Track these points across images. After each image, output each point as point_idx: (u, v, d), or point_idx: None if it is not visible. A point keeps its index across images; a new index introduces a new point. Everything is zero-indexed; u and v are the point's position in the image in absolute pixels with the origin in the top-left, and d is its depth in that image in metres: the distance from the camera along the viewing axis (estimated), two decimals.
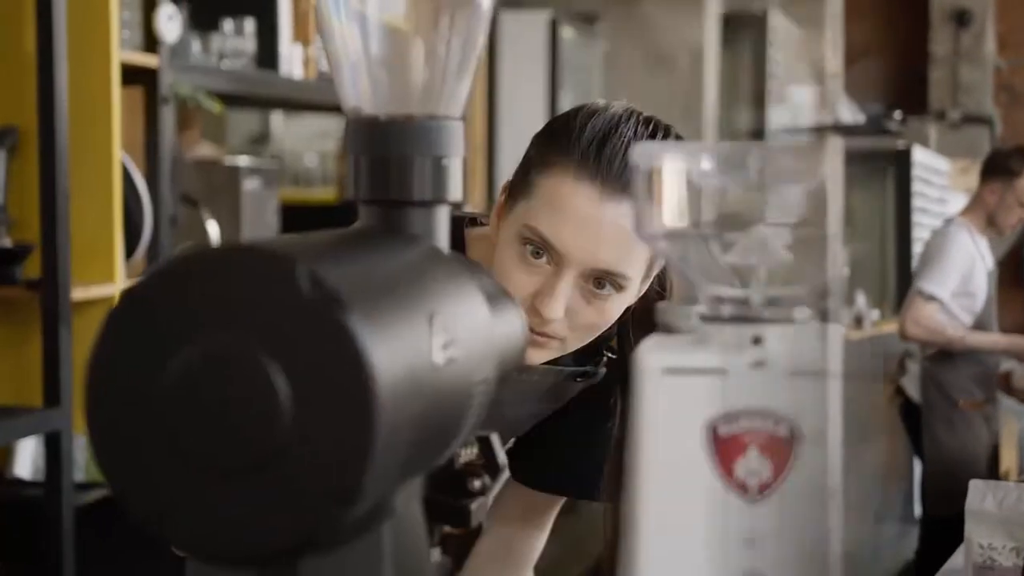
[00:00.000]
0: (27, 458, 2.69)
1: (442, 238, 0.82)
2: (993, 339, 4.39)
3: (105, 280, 2.51)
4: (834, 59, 5.45)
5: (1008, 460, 4.72)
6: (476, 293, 0.78)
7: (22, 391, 2.43)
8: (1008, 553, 1.88)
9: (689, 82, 5.62)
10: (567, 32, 5.33)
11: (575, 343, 1.31)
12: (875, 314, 6.08)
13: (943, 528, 4.26)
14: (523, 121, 5.11)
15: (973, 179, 8.49)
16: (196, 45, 2.96)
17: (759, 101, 7.42)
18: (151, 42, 2.67)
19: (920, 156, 7.06)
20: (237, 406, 0.61)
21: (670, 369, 0.69)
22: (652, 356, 0.71)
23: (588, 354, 1.41)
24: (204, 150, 3.86)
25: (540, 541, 1.58)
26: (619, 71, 5.61)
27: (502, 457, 0.88)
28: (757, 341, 0.70)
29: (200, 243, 3.02)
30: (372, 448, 0.61)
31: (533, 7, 5.41)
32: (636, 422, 0.70)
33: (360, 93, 0.83)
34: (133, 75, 2.63)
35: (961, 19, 9.25)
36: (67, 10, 2.40)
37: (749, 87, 7.42)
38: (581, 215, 1.25)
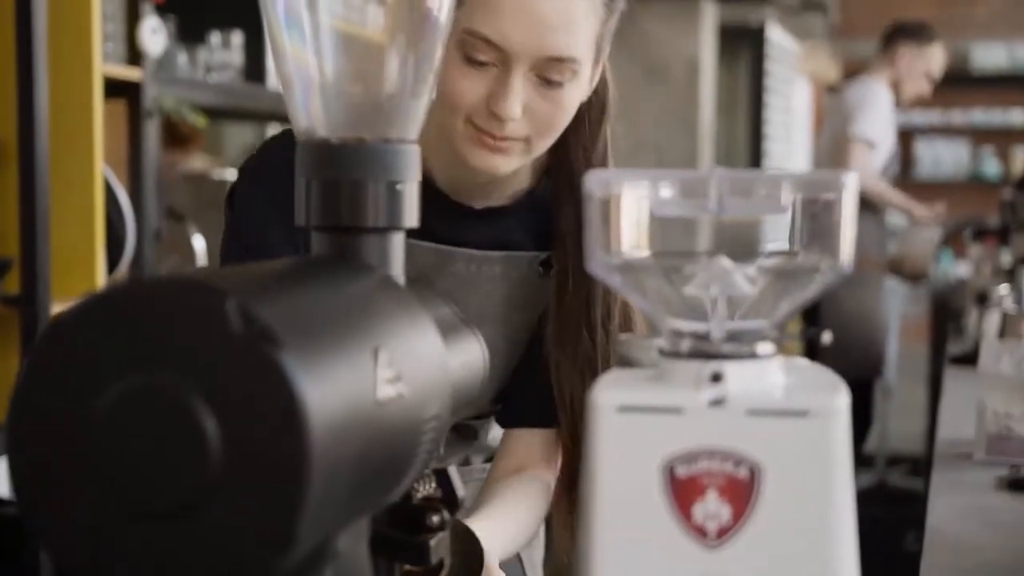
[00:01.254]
0: (6, 476, 2.65)
1: (396, 266, 0.79)
2: (907, 201, 4.61)
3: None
4: None
5: None
6: (429, 324, 0.75)
7: (1, 408, 2.39)
8: None
9: (685, 94, 5.60)
10: None
11: (540, 144, 1.27)
12: None
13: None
14: None
15: (819, 63, 8.64)
16: (183, 58, 2.93)
17: (756, 113, 7.42)
18: (136, 55, 2.64)
19: (773, 35, 7.11)
20: (164, 446, 0.58)
21: (625, 407, 0.66)
22: (607, 393, 0.68)
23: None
24: (197, 162, 3.84)
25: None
26: (616, 83, 5.58)
27: (461, 491, 0.85)
28: (717, 378, 0.67)
29: (185, 258, 3.00)
30: (305, 491, 0.58)
31: None
32: (590, 461, 0.67)
33: (311, 115, 0.80)
34: (117, 88, 2.60)
35: None
36: (48, 22, 2.37)
37: (746, 98, 7.42)
38: (517, 4, 1.20)
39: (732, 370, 0.67)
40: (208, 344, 0.57)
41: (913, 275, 4.76)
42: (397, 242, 0.79)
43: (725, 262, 0.69)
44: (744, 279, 0.69)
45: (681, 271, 0.69)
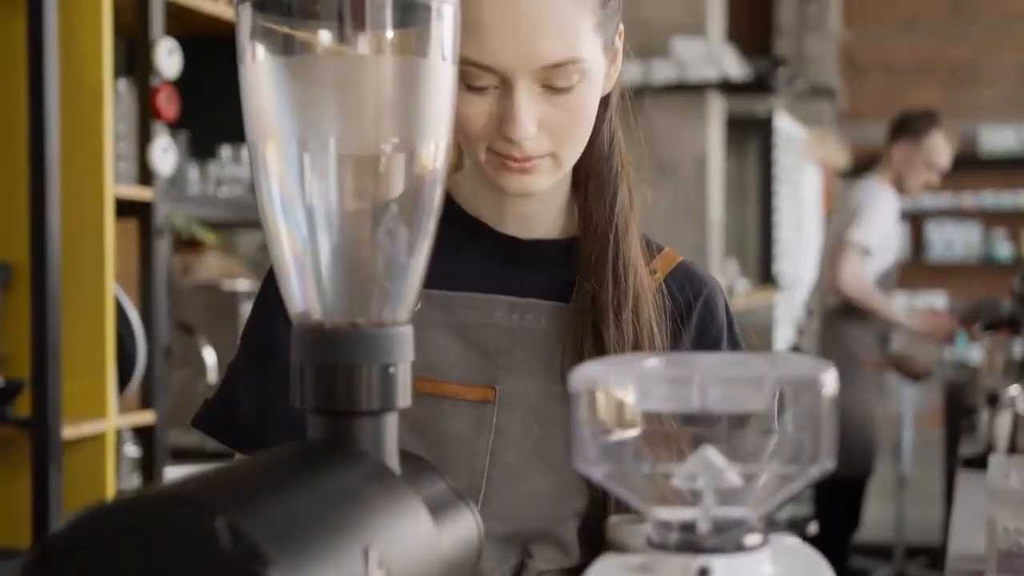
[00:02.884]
0: None
1: (390, 446, 0.80)
2: (910, 318, 4.55)
3: (97, 416, 2.49)
4: (715, 11, 5.46)
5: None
6: (420, 509, 0.76)
7: (10, 532, 2.40)
8: None
9: (694, 188, 5.64)
10: None
11: (568, 155, 1.18)
12: (744, 284, 6.15)
13: (836, 491, 4.31)
14: None
15: (826, 149, 8.68)
16: (194, 173, 2.97)
17: (766, 201, 7.46)
18: (147, 174, 2.68)
19: (781, 123, 7.14)
20: None
21: None
22: None
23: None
24: (212, 262, 3.87)
25: None
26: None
27: None
28: (704, 573, 0.67)
29: (196, 371, 3.02)
30: None
31: None
32: None
33: (307, 299, 0.81)
34: (128, 207, 2.63)
35: None
36: (61, 143, 2.41)
37: (756, 187, 7.47)
38: (496, 20, 1.10)
39: (720, 564, 0.68)
40: (198, 564, 0.58)
41: (915, 374, 4.74)
42: (391, 423, 0.80)
43: (711, 453, 0.70)
44: (730, 470, 0.69)
45: (667, 462, 0.70)
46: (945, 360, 5.92)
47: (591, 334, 1.18)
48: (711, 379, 0.69)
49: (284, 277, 0.82)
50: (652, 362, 0.72)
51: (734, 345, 1.30)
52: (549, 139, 1.16)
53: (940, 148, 4.51)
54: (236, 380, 1.29)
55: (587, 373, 0.70)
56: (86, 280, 2.48)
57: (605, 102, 1.24)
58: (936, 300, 10.21)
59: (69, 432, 2.41)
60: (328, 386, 0.79)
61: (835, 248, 4.34)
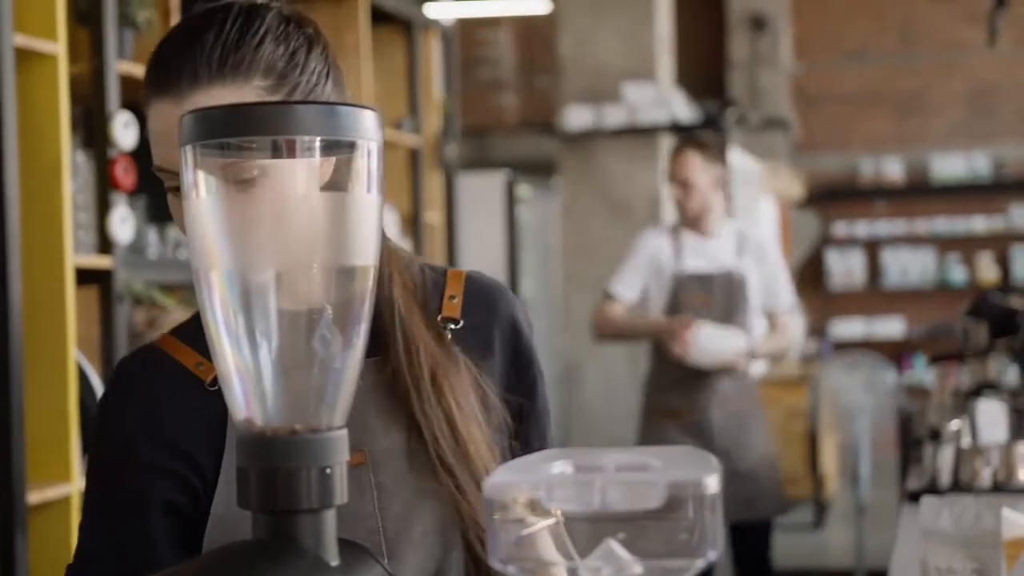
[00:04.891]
0: None
1: (329, 540, 0.88)
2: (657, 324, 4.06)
3: (62, 480, 2.55)
4: (664, 57, 5.54)
5: None
6: None
7: None
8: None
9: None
10: (523, 190, 5.46)
11: None
12: None
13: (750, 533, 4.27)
14: None
15: (781, 181, 8.78)
16: (153, 236, 3.04)
17: None
18: (105, 242, 2.74)
19: (735, 159, 7.23)
20: None
21: None
22: None
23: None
24: (175, 316, 3.91)
25: None
26: (577, 220, 5.74)
27: None
28: None
29: None
30: None
31: (492, 166, 5.56)
32: None
33: (249, 407, 0.89)
34: (88, 275, 2.70)
35: (758, 24, 9.59)
36: (21, 215, 2.48)
37: None
38: (161, 131, 1.20)
39: None
40: None
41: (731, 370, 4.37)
42: (330, 518, 0.88)
43: (614, 545, 0.78)
44: (632, 560, 0.78)
45: (576, 556, 0.78)
46: (901, 384, 6.01)
47: (413, 391, 1.25)
48: (611, 482, 0.77)
49: (228, 387, 0.90)
50: (558, 466, 0.81)
51: (529, 347, 1.35)
52: None
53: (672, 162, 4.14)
54: (95, 543, 1.27)
55: (499, 480, 0.78)
56: (48, 348, 2.54)
57: None
58: (893, 325, 10.38)
59: (34, 497, 2.47)
60: (270, 488, 0.87)
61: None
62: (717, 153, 4.07)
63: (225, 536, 1.23)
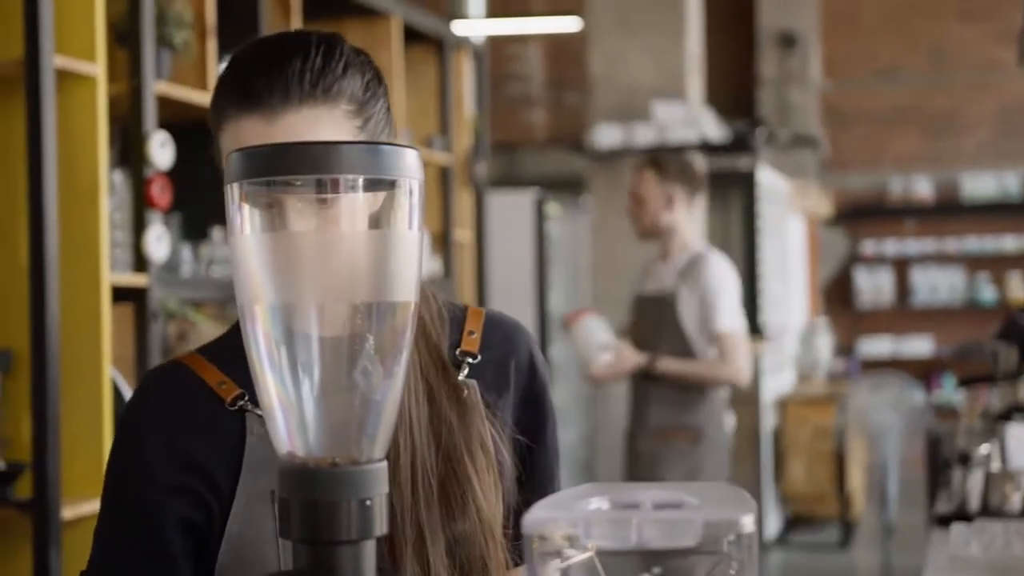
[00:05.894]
0: None
1: (368, 571, 0.89)
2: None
3: (96, 497, 2.57)
4: (695, 75, 5.53)
5: None
6: None
7: None
8: None
9: None
10: (553, 208, 5.48)
11: None
12: None
13: None
14: (512, 297, 5.26)
15: (809, 199, 8.73)
16: (187, 253, 3.07)
17: (750, 254, 7.58)
18: (142, 261, 2.78)
19: (764, 176, 7.24)
20: None
21: None
22: None
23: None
24: (205, 330, 3.95)
25: None
26: (606, 238, 5.75)
27: None
28: None
29: None
30: None
31: (522, 184, 5.57)
32: None
33: (292, 440, 0.91)
34: (123, 293, 2.73)
35: (787, 42, 9.56)
36: (59, 234, 2.51)
37: (740, 240, 7.59)
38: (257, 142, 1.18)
39: None
40: None
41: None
42: (369, 549, 0.90)
43: None
44: None
45: None
46: (930, 404, 5.97)
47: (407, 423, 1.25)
48: (647, 520, 0.78)
49: (272, 420, 0.92)
50: (595, 503, 0.82)
51: (543, 383, 1.37)
52: None
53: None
54: (108, 557, 1.27)
55: (537, 515, 0.79)
56: (84, 365, 2.57)
57: None
58: (922, 344, 10.34)
59: (69, 512, 2.50)
60: (311, 519, 0.89)
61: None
62: (676, 175, 4.05)
63: (239, 556, 1.24)
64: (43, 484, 2.44)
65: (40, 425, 2.44)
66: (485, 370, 1.32)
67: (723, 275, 4.03)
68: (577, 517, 0.79)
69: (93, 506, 2.57)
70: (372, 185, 0.89)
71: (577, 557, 0.81)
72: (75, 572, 2.54)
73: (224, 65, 1.28)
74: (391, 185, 0.90)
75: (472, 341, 1.33)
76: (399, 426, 1.24)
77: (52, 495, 2.43)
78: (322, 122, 1.20)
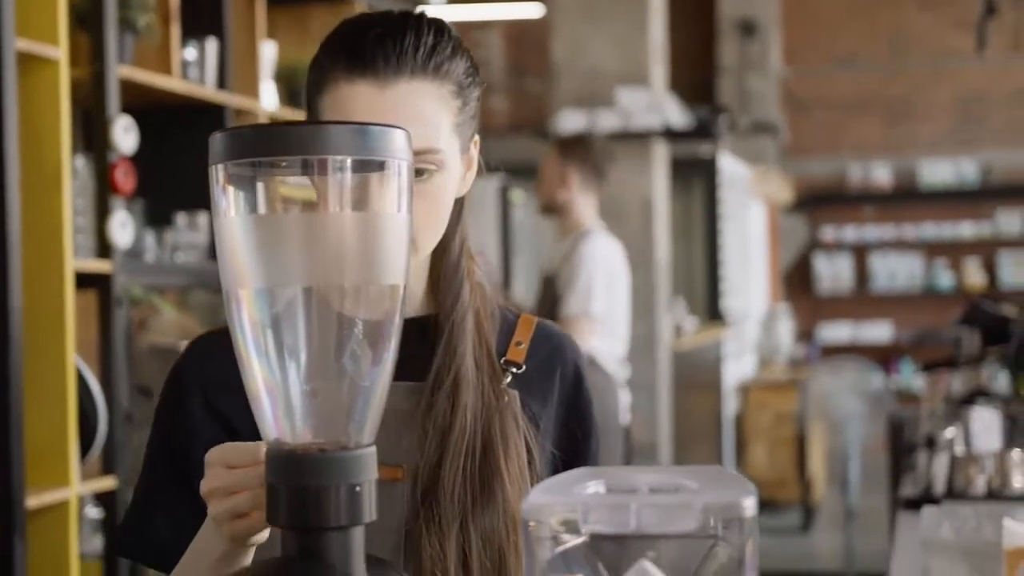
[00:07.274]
0: None
1: (356, 557, 0.88)
2: None
3: (60, 485, 2.55)
4: (658, 62, 5.57)
5: None
6: None
7: None
8: None
9: (641, 232, 5.75)
10: (517, 195, 5.46)
11: (424, 242, 1.22)
12: (692, 322, 6.29)
13: None
14: None
15: (770, 186, 8.79)
16: (151, 240, 3.04)
17: (712, 239, 7.61)
18: (105, 247, 2.74)
19: (725, 163, 7.30)
20: None
21: None
22: None
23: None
24: (167, 317, 3.91)
25: None
26: None
27: None
28: None
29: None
30: None
31: (485, 171, 5.53)
32: None
33: (279, 426, 0.89)
34: (87, 279, 2.70)
35: (748, 29, 9.62)
36: (21, 220, 2.47)
37: (702, 226, 7.62)
38: (366, 105, 1.18)
39: None
40: None
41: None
42: (358, 535, 0.89)
43: (648, 566, 0.79)
44: None
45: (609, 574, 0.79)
46: (889, 389, 6.00)
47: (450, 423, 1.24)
48: (646, 504, 0.77)
49: (258, 406, 0.90)
50: (592, 487, 0.81)
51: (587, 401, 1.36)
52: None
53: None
54: (148, 500, 1.30)
55: (535, 500, 0.78)
56: (47, 351, 2.54)
57: (459, 207, 1.30)
58: (881, 330, 10.41)
59: (33, 502, 2.47)
60: (299, 505, 0.87)
61: None
62: (574, 156, 4.08)
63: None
64: (6, 473, 2.40)
65: (3, 412, 2.40)
66: (529, 381, 1.31)
67: (592, 256, 3.98)
68: (575, 502, 0.78)
69: (58, 495, 2.54)
70: (360, 167, 0.88)
71: (574, 541, 0.80)
72: (40, 562, 2.51)
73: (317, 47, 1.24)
74: (380, 167, 0.88)
75: (519, 351, 1.32)
76: (455, 408, 1.23)
77: (16, 484, 2.40)
78: (429, 96, 1.20)
